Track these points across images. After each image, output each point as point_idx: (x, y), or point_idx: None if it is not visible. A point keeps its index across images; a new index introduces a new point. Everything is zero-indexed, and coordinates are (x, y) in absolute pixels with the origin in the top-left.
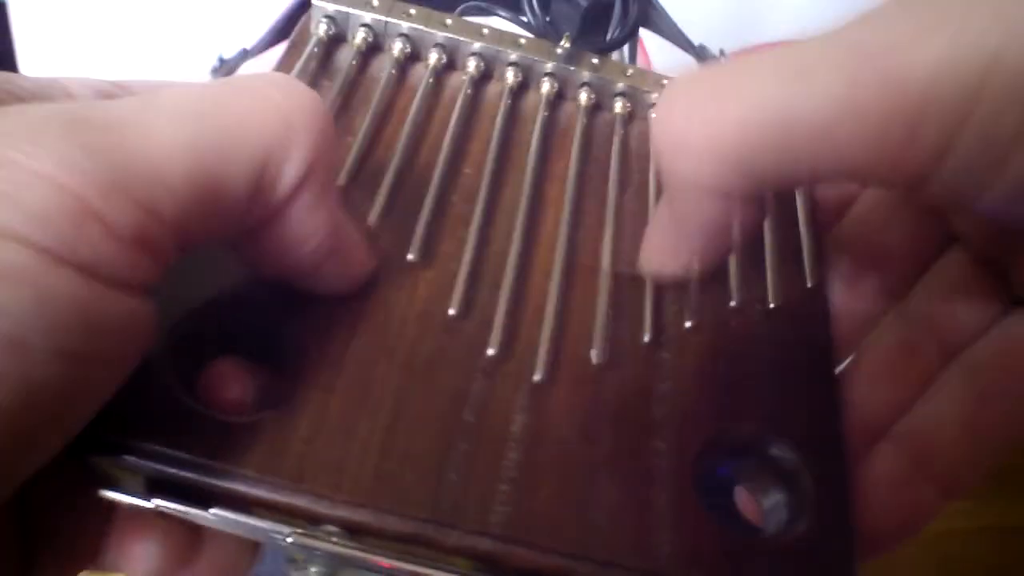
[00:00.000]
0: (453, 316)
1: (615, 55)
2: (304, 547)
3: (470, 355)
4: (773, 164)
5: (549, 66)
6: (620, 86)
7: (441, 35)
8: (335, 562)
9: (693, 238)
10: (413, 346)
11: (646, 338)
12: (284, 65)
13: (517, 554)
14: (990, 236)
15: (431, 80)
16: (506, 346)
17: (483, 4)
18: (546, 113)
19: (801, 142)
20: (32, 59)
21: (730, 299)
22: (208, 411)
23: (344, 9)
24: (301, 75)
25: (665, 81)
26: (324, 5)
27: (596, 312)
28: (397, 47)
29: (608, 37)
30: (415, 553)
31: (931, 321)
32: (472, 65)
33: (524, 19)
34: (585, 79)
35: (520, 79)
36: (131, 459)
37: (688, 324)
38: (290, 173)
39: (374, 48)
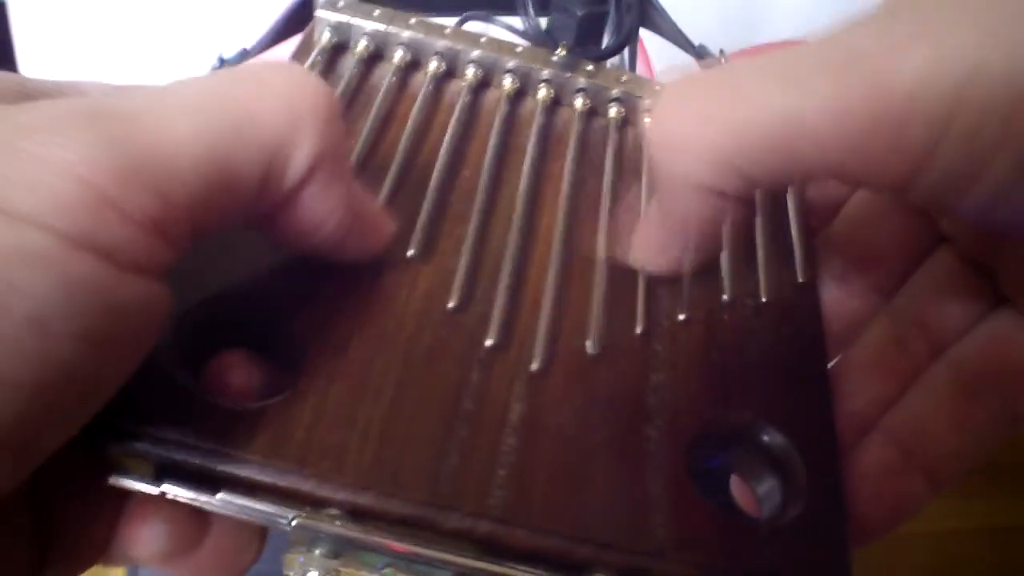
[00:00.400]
0: (452, 309)
1: (614, 60)
2: (307, 529)
3: (469, 346)
4: (767, 164)
5: (546, 73)
6: (615, 92)
7: (440, 44)
8: (339, 544)
9: (684, 235)
10: (413, 338)
11: (639, 330)
12: None
13: (516, 536)
14: (977, 237)
15: (431, 87)
16: (504, 337)
17: (482, 13)
18: (543, 118)
19: (794, 144)
20: (32, 59)
21: (722, 293)
22: (215, 400)
23: (347, 19)
24: None
25: (658, 87)
26: (328, 15)
27: (591, 305)
28: (398, 55)
29: (603, 46)
30: (416, 536)
31: (920, 318)
32: (471, 72)
33: (522, 28)
34: (581, 85)
35: (517, 86)
36: (142, 445)
37: (681, 317)
38: (299, 161)
39: (376, 56)
